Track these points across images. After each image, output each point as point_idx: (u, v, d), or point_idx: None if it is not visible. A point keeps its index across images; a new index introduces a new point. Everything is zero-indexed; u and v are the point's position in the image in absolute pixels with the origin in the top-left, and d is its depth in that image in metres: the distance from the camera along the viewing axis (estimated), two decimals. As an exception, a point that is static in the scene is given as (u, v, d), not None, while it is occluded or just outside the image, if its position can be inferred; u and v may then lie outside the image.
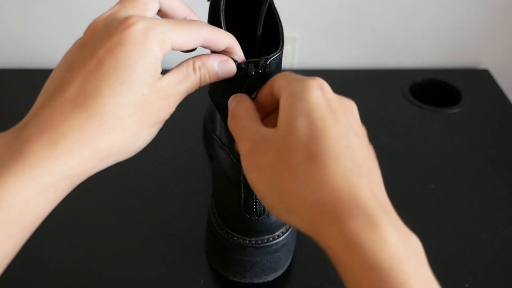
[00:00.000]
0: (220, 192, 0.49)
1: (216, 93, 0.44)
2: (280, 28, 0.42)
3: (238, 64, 0.38)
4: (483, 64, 0.87)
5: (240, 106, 0.36)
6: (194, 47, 0.36)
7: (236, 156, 0.45)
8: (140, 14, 0.33)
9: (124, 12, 0.33)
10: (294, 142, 0.30)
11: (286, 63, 0.85)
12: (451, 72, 0.84)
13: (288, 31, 0.83)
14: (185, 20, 0.35)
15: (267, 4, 0.42)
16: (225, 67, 0.37)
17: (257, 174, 0.31)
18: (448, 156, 0.68)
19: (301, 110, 0.31)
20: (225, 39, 0.37)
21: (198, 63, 0.35)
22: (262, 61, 0.38)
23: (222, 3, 0.41)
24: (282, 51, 0.40)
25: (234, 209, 0.46)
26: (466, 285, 0.51)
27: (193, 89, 0.36)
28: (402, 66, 0.87)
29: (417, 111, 0.76)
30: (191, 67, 0.35)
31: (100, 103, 0.30)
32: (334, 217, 0.27)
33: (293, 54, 0.84)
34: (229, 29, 0.44)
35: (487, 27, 0.82)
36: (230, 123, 0.35)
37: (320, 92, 0.32)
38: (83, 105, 0.30)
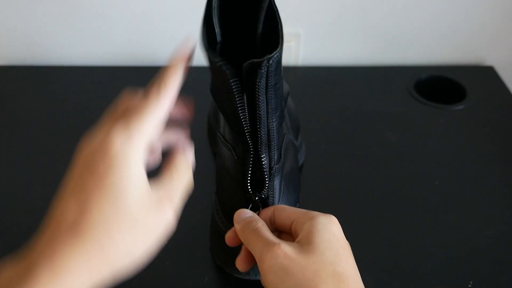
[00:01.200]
0: (223, 189, 0.49)
1: (216, 90, 0.44)
2: (279, 26, 0.42)
3: (223, 63, 0.38)
4: (488, 61, 0.87)
5: (256, 218, 0.41)
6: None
7: (238, 154, 0.45)
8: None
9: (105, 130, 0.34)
10: (323, 259, 0.35)
11: (291, 59, 0.85)
12: (456, 69, 0.84)
13: (293, 28, 0.83)
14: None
15: (267, 2, 0.42)
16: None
17: (282, 277, 0.35)
18: (452, 152, 0.68)
19: (329, 238, 0.37)
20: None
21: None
22: (265, 62, 0.38)
23: (214, 1, 0.41)
24: (282, 49, 0.40)
25: (237, 206, 0.46)
26: (471, 282, 0.51)
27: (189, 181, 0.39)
28: (407, 63, 0.86)
29: (422, 107, 0.75)
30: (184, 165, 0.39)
31: (94, 228, 0.31)
32: None
33: (297, 51, 0.84)
34: (229, 27, 0.44)
35: (492, 24, 0.82)
36: (247, 232, 0.40)
37: (339, 228, 0.39)
38: (79, 232, 0.31)
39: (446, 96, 0.79)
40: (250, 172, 0.44)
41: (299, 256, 0.36)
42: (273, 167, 0.44)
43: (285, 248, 0.36)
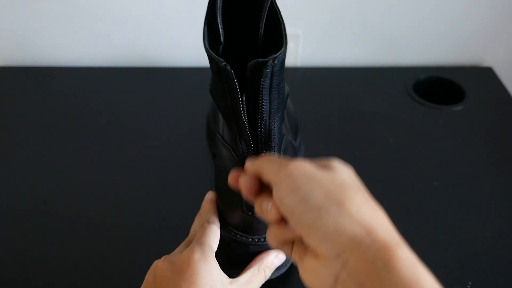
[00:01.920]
0: (222, 190, 0.49)
1: (216, 91, 0.44)
2: (282, 26, 0.42)
3: (225, 64, 0.38)
4: (486, 62, 0.87)
5: None
6: None
7: (238, 154, 0.45)
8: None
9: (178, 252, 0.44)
10: (348, 180, 0.33)
11: (289, 60, 0.85)
12: (454, 70, 0.84)
13: (292, 29, 0.83)
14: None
15: (269, 2, 0.42)
16: (280, 259, 0.48)
17: (305, 181, 0.33)
18: (451, 153, 0.68)
19: (348, 171, 0.35)
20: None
21: (262, 266, 0.46)
22: (270, 61, 0.38)
23: (219, 1, 0.41)
24: (286, 48, 0.40)
25: (236, 207, 0.46)
26: (469, 283, 0.51)
27: (261, 284, 0.46)
28: (406, 64, 0.86)
29: (420, 108, 0.75)
30: (257, 270, 0.46)
31: None
32: (386, 241, 0.30)
33: (296, 52, 0.84)
34: (230, 27, 0.44)
35: (490, 25, 0.82)
36: (261, 160, 0.38)
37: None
38: None
39: (445, 97, 0.79)
40: None
41: (324, 171, 0.33)
42: None
43: (310, 164, 0.34)
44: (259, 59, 0.38)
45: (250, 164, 0.39)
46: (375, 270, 0.28)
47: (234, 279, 0.44)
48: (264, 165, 0.37)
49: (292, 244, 0.36)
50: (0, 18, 0.80)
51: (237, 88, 0.39)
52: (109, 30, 0.82)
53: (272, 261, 0.47)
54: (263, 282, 0.46)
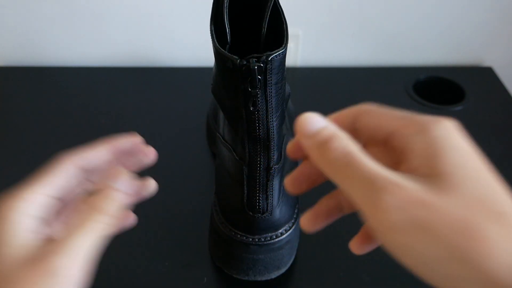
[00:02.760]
0: (222, 190, 0.49)
1: (219, 90, 0.44)
2: (284, 26, 0.42)
3: (240, 60, 0.38)
4: (486, 62, 0.87)
5: (338, 132, 0.27)
6: None
7: (239, 154, 0.45)
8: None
9: None
10: (471, 199, 0.23)
11: (289, 60, 0.85)
12: (454, 70, 0.84)
13: (292, 29, 0.83)
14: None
15: (272, 1, 0.42)
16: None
17: (416, 236, 0.22)
18: (451, 153, 0.68)
19: (465, 162, 0.25)
20: None
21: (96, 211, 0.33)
22: (264, 57, 0.38)
23: (226, 1, 0.41)
24: (286, 48, 0.40)
25: (237, 207, 0.46)
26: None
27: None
28: (406, 64, 0.86)
29: (420, 108, 0.75)
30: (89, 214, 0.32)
31: None
32: None
33: (296, 52, 0.84)
34: (233, 26, 0.44)
35: (490, 24, 0.82)
36: (333, 158, 0.26)
37: (462, 135, 0.26)
38: None
39: (445, 97, 0.79)
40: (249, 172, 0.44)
41: (436, 199, 0.23)
42: (272, 167, 0.44)
43: (411, 189, 0.23)
44: (254, 55, 0.38)
45: (317, 155, 0.26)
46: None
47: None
48: (340, 174, 0.25)
49: None
50: (1, 18, 0.80)
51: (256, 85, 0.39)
52: (109, 30, 0.82)
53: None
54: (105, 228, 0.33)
